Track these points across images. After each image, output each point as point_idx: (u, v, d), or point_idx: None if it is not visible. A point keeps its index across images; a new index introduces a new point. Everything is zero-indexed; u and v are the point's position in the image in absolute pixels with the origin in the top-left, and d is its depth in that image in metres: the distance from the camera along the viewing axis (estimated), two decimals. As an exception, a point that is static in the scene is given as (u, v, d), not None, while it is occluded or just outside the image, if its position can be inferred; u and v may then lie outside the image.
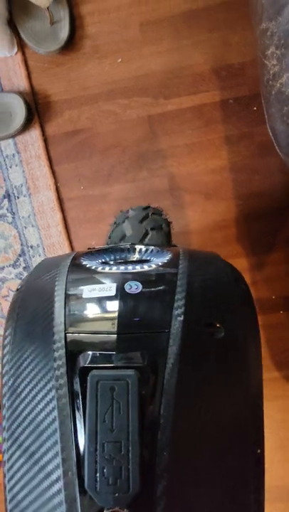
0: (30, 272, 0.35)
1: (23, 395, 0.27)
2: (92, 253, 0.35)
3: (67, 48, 0.77)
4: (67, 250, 0.83)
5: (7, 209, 0.82)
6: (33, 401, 0.26)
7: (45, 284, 0.31)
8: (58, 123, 0.80)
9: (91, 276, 0.30)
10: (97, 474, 0.22)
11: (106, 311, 0.27)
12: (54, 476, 0.24)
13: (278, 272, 0.80)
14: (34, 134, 0.80)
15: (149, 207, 0.58)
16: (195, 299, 0.28)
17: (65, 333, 0.27)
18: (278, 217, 0.80)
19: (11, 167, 0.81)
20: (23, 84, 0.79)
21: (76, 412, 0.25)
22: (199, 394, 0.26)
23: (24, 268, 0.84)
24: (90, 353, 0.26)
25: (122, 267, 0.31)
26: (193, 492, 0.25)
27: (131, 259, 0.35)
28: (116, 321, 0.27)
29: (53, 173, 0.81)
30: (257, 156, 0.78)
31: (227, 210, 0.80)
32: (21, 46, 0.78)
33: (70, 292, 0.29)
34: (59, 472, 0.24)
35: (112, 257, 0.35)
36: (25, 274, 0.78)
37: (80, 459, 0.24)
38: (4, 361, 0.28)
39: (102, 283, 0.29)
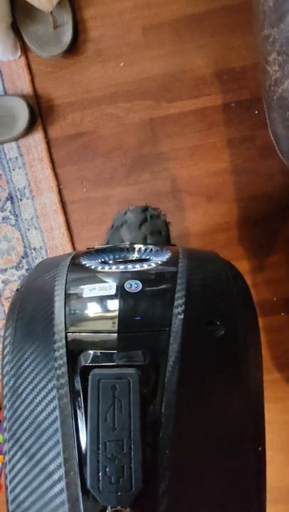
0: (30, 272, 0.35)
1: (24, 395, 0.27)
2: (92, 253, 0.35)
3: (70, 52, 0.78)
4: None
5: (10, 211, 0.83)
6: (34, 401, 0.26)
7: (45, 283, 0.31)
8: (61, 126, 0.81)
9: (91, 276, 0.30)
10: (100, 473, 0.22)
11: (106, 310, 0.27)
12: (56, 476, 0.24)
13: (279, 274, 0.81)
14: (37, 136, 0.80)
15: (147, 208, 0.58)
16: (195, 298, 0.28)
17: (66, 333, 0.27)
18: (280, 219, 0.80)
19: (14, 170, 0.82)
20: (26, 87, 0.79)
21: (77, 411, 0.25)
22: (200, 392, 0.26)
23: (27, 270, 0.84)
24: (91, 352, 0.26)
25: (121, 266, 0.31)
26: (195, 490, 0.25)
27: (130, 259, 0.35)
28: (116, 320, 0.27)
29: (56, 175, 0.81)
30: (258, 159, 0.79)
31: (229, 213, 0.80)
32: (25, 50, 0.79)
33: (70, 292, 0.29)
34: (61, 472, 0.24)
35: (112, 257, 0.35)
36: (28, 276, 0.78)
37: (82, 458, 0.24)
38: (5, 362, 0.28)
39: (102, 282, 0.29)
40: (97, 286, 0.29)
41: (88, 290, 0.28)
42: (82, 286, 0.29)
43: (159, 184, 0.80)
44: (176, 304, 0.28)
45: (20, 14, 0.77)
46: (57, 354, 0.26)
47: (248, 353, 0.28)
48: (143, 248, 0.36)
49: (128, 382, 0.23)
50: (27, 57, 0.79)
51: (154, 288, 0.29)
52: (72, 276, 0.30)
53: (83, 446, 0.24)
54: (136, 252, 0.36)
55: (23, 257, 0.84)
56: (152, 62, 0.78)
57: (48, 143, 0.81)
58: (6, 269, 0.84)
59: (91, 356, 0.26)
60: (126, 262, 0.34)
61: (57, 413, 0.25)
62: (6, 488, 0.26)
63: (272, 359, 0.82)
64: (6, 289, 0.85)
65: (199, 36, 0.76)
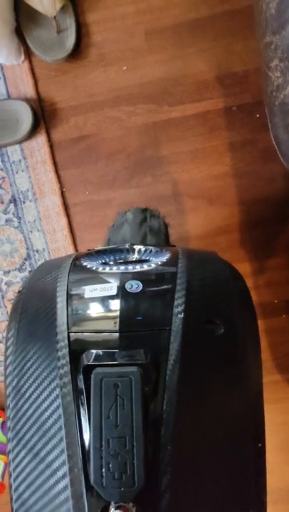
0: (32, 273, 0.35)
1: (27, 394, 0.27)
2: (92, 254, 0.36)
3: (73, 56, 0.78)
4: (72, 254, 0.83)
5: (13, 214, 0.84)
6: (38, 400, 0.26)
7: (47, 285, 0.31)
8: (64, 129, 0.81)
9: (92, 277, 0.31)
10: (103, 469, 0.23)
11: (108, 310, 0.28)
12: (60, 473, 0.25)
13: (281, 276, 0.81)
14: (40, 140, 0.81)
15: (146, 209, 0.59)
16: (194, 297, 0.29)
17: (68, 333, 0.27)
18: (281, 221, 0.81)
19: (17, 172, 0.83)
20: (29, 91, 0.80)
21: (80, 409, 0.25)
22: (200, 389, 0.26)
23: (30, 272, 0.85)
24: (93, 351, 0.26)
25: (122, 267, 0.31)
26: (196, 485, 0.25)
27: (130, 260, 0.36)
28: (118, 320, 0.27)
29: (59, 178, 0.82)
30: (260, 162, 0.79)
31: (230, 216, 0.81)
32: (28, 54, 0.80)
33: (72, 292, 0.29)
34: (65, 469, 0.25)
35: (112, 258, 0.36)
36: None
37: (85, 455, 0.25)
38: (8, 362, 0.29)
39: (104, 283, 0.29)
40: (98, 286, 0.29)
41: (90, 291, 0.29)
42: (83, 287, 0.29)
43: (161, 187, 0.81)
44: (176, 303, 0.28)
45: (24, 19, 0.78)
46: (60, 354, 0.27)
47: (247, 351, 0.29)
48: (143, 249, 0.36)
49: (130, 381, 0.24)
50: (30, 62, 0.80)
51: (155, 288, 0.29)
52: (73, 277, 0.31)
53: (86, 443, 0.25)
54: (136, 253, 0.36)
55: (26, 259, 0.85)
56: (155, 66, 0.78)
57: (51, 146, 0.82)
58: (8, 271, 0.85)
59: (93, 355, 0.26)
60: (126, 262, 0.34)
61: (60, 411, 0.25)
62: (10, 487, 0.26)
63: (272, 360, 0.83)
64: (8, 290, 0.86)
65: (201, 41, 0.77)
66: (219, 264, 0.33)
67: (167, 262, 0.32)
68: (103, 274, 0.31)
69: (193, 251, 0.35)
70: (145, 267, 0.31)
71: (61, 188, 0.82)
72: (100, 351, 0.26)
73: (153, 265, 0.32)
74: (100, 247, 0.39)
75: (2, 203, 0.84)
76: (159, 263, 0.32)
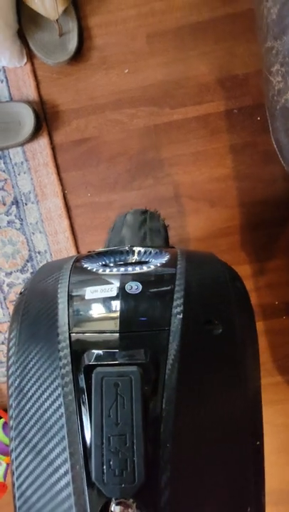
0: (33, 275, 0.35)
1: (29, 394, 0.27)
2: (93, 256, 0.36)
3: (75, 59, 0.79)
4: (74, 256, 0.84)
5: (15, 215, 0.84)
6: (40, 399, 0.27)
7: (48, 286, 0.32)
8: (66, 132, 0.82)
9: (93, 278, 0.31)
10: (104, 466, 0.23)
11: (108, 311, 0.28)
12: (62, 470, 0.25)
13: (281, 277, 0.82)
14: (42, 142, 0.81)
15: (146, 211, 0.59)
16: (193, 298, 0.29)
17: (70, 333, 0.28)
18: (281, 224, 0.81)
19: (19, 174, 0.83)
20: (32, 94, 0.81)
21: (82, 408, 0.26)
22: (199, 388, 0.27)
23: (31, 273, 0.85)
24: (94, 351, 0.27)
25: (122, 269, 0.32)
26: (195, 482, 0.26)
27: (130, 261, 0.36)
28: (118, 321, 0.28)
29: (61, 180, 0.82)
30: (261, 165, 0.80)
31: (231, 218, 0.81)
32: (30, 57, 0.80)
33: (72, 294, 0.30)
34: (67, 466, 0.25)
35: (112, 259, 0.36)
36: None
37: (86, 452, 0.25)
38: (10, 363, 0.29)
39: (104, 284, 0.30)
40: (98, 288, 0.29)
41: (90, 292, 0.29)
42: (84, 289, 0.30)
43: (163, 189, 0.81)
44: (175, 304, 0.28)
45: (26, 22, 0.78)
46: (61, 354, 0.27)
47: (246, 351, 0.29)
48: (142, 251, 0.37)
49: (130, 380, 0.24)
50: (33, 64, 0.80)
51: (154, 289, 0.30)
52: (74, 278, 0.31)
53: (88, 441, 0.25)
54: (136, 255, 0.37)
55: (27, 261, 0.85)
56: (156, 69, 0.79)
57: (53, 148, 0.82)
58: (10, 273, 0.86)
59: (94, 355, 0.27)
60: (126, 264, 0.35)
61: (62, 410, 0.26)
62: (13, 485, 0.27)
63: (273, 362, 0.83)
64: (10, 292, 0.86)
65: (203, 44, 0.77)
66: (217, 265, 0.34)
67: (166, 263, 0.33)
68: (103, 276, 0.31)
69: (191, 252, 0.35)
70: (145, 268, 0.32)
71: (63, 190, 0.83)
72: (101, 351, 0.27)
73: (152, 267, 0.32)
74: (100, 249, 0.39)
75: (4, 204, 0.84)
76: (158, 264, 0.32)
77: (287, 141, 0.51)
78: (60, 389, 0.26)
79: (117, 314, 0.28)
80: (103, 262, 0.35)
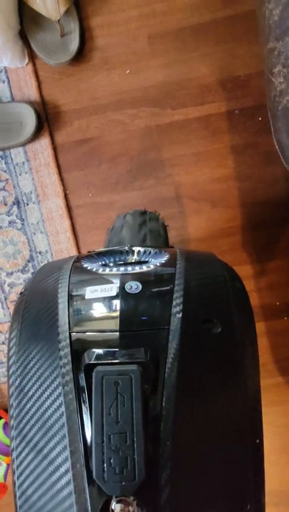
0: (34, 275, 0.36)
1: (30, 393, 0.28)
2: (93, 256, 0.36)
3: (77, 60, 0.79)
4: (75, 256, 0.84)
5: (16, 215, 0.84)
6: (41, 398, 0.27)
7: (49, 286, 0.32)
8: (68, 132, 0.82)
9: (93, 278, 0.31)
10: (105, 465, 0.23)
11: (108, 311, 0.29)
12: (63, 469, 0.25)
13: (282, 278, 0.82)
14: (44, 142, 0.82)
15: (145, 212, 0.59)
16: (192, 297, 0.29)
17: (70, 333, 0.28)
18: (282, 224, 0.81)
19: (20, 174, 0.83)
20: (33, 94, 0.81)
21: (82, 406, 0.26)
22: (199, 387, 0.27)
23: (32, 273, 0.85)
24: (95, 350, 0.27)
25: (121, 268, 0.32)
26: (195, 480, 0.26)
27: (130, 261, 0.36)
28: (118, 320, 0.28)
29: (62, 180, 0.83)
30: (262, 165, 0.80)
31: (232, 218, 0.81)
32: (32, 57, 0.80)
33: (73, 293, 0.30)
34: (68, 464, 0.25)
35: (112, 259, 0.36)
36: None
37: (87, 450, 0.25)
38: (10, 362, 0.29)
39: (104, 284, 0.30)
40: (98, 287, 0.30)
41: (90, 292, 0.30)
42: (84, 288, 0.30)
43: (164, 190, 0.82)
44: (174, 303, 0.29)
45: (28, 22, 0.78)
46: (62, 353, 0.27)
47: (245, 350, 0.29)
48: (142, 250, 0.37)
49: (130, 378, 0.25)
50: (34, 65, 0.80)
51: (154, 289, 0.30)
52: (74, 278, 0.32)
53: (88, 439, 0.25)
54: (135, 255, 0.37)
55: (28, 261, 0.85)
56: (158, 70, 0.79)
57: (55, 148, 0.82)
58: (12, 273, 0.86)
59: (94, 354, 0.27)
60: (126, 264, 0.35)
61: (63, 409, 0.26)
62: (14, 484, 0.27)
63: (274, 362, 0.83)
64: (11, 292, 0.86)
65: (204, 45, 0.78)
66: (217, 265, 0.34)
67: (166, 263, 0.33)
68: (103, 275, 0.31)
69: (191, 252, 0.36)
70: (144, 268, 0.32)
71: (64, 190, 0.83)
72: (101, 350, 0.27)
73: (152, 266, 0.32)
74: (100, 249, 0.39)
75: (5, 204, 0.84)
76: (158, 264, 0.33)
77: (288, 142, 0.51)
78: (60, 388, 0.27)
79: (117, 313, 0.28)
80: (103, 262, 0.35)
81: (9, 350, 0.30)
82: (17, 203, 0.84)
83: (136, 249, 0.37)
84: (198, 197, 0.81)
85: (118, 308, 0.28)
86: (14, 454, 0.27)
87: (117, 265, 0.34)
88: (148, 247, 0.38)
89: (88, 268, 0.33)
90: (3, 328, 0.88)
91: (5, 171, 0.83)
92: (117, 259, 0.36)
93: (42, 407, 0.27)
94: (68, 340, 0.28)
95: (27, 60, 0.80)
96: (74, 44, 0.77)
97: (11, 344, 0.30)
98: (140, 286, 0.29)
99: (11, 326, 0.31)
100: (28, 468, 0.26)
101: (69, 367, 0.27)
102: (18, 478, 0.27)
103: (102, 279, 0.31)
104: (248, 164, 0.80)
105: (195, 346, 0.28)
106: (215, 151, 0.80)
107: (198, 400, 0.27)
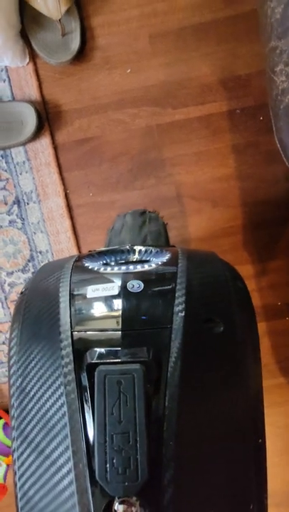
0: (34, 274, 0.36)
1: (32, 393, 0.27)
2: (94, 255, 0.36)
3: (78, 59, 0.79)
4: (75, 256, 0.84)
5: (17, 215, 0.84)
6: (42, 398, 0.27)
7: (50, 285, 0.32)
8: (68, 131, 0.82)
9: (94, 277, 0.31)
10: (107, 465, 0.23)
11: (110, 310, 0.29)
12: (65, 469, 0.25)
13: (283, 278, 0.82)
14: (44, 141, 0.81)
15: (145, 212, 0.59)
16: (194, 296, 0.29)
17: (72, 332, 0.28)
18: (284, 224, 0.81)
19: (21, 174, 0.83)
20: (34, 93, 0.81)
21: (84, 406, 0.26)
22: (201, 386, 0.27)
23: (33, 273, 0.85)
24: (97, 349, 0.27)
25: (123, 267, 0.32)
26: (198, 480, 0.26)
27: (131, 260, 0.36)
28: (120, 319, 0.28)
29: (63, 180, 0.82)
30: (263, 165, 0.80)
31: (233, 218, 0.81)
32: (33, 57, 0.80)
33: (74, 292, 0.30)
34: (70, 465, 0.25)
35: (113, 259, 0.36)
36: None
37: (90, 450, 0.25)
38: (11, 362, 0.29)
39: (105, 283, 0.30)
40: (100, 286, 0.30)
41: (92, 291, 0.29)
42: (86, 287, 0.30)
43: (165, 189, 0.81)
44: (176, 302, 0.29)
45: (29, 21, 0.78)
46: (63, 352, 0.27)
47: (247, 349, 0.29)
48: (143, 250, 0.37)
49: (133, 378, 0.24)
50: (35, 64, 0.80)
51: (155, 287, 0.30)
52: (76, 277, 0.31)
53: (91, 439, 0.25)
54: (136, 254, 0.37)
55: (29, 261, 0.85)
56: (159, 69, 0.79)
57: (55, 148, 0.82)
58: (12, 272, 0.85)
59: (97, 353, 0.27)
60: (127, 263, 0.35)
61: (65, 409, 0.26)
62: (15, 485, 0.27)
63: (276, 363, 0.83)
64: (12, 291, 0.86)
65: (205, 44, 0.78)
66: (218, 264, 0.34)
67: (167, 262, 0.33)
68: (105, 275, 0.31)
69: (192, 251, 0.36)
70: (146, 267, 0.32)
71: (65, 189, 0.83)
72: (103, 349, 0.27)
73: (153, 265, 0.32)
74: (101, 249, 0.39)
75: (6, 204, 0.84)
76: (160, 263, 0.33)
77: (290, 141, 0.51)
78: (62, 387, 0.26)
79: (119, 312, 0.28)
80: (104, 261, 0.35)
81: (10, 350, 0.30)
82: (17, 202, 0.83)
83: (137, 248, 0.37)
84: (199, 196, 0.81)
85: (120, 307, 0.28)
86: (16, 455, 0.27)
87: (118, 264, 0.34)
88: (149, 246, 0.38)
89: (89, 267, 0.33)
90: (3, 328, 0.87)
91: (5, 170, 0.83)
92: (118, 258, 0.36)
93: (44, 407, 0.27)
94: (70, 340, 0.28)
95: (28, 60, 0.80)
96: (75, 43, 0.77)
97: (12, 344, 0.30)
98: (142, 285, 0.29)
99: (11, 325, 0.31)
100: (29, 469, 0.26)
101: (71, 366, 0.27)
102: (19, 479, 0.26)
103: (104, 278, 0.31)
104: (249, 164, 0.80)
105: (197, 345, 0.28)
106: (216, 150, 0.80)
107: (200, 400, 0.27)
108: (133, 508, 0.23)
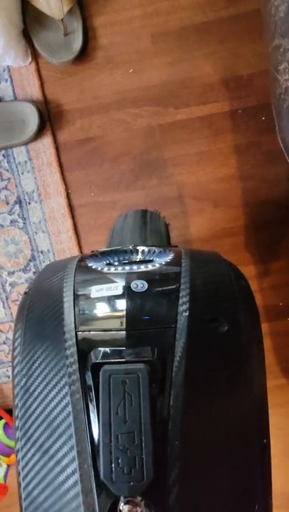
0: (38, 274, 0.36)
1: (36, 393, 0.27)
2: (97, 255, 0.36)
3: (80, 59, 0.79)
4: (77, 256, 0.84)
5: (18, 214, 0.84)
6: (47, 398, 0.27)
7: (53, 285, 0.32)
8: (70, 131, 0.81)
9: (98, 277, 0.31)
10: (112, 465, 0.23)
11: (114, 310, 0.29)
12: (70, 469, 0.25)
13: (285, 279, 0.81)
14: (46, 141, 0.81)
15: (146, 212, 0.59)
16: (198, 296, 0.29)
17: (76, 332, 0.28)
18: (286, 224, 0.81)
19: (22, 173, 0.83)
20: (36, 93, 0.80)
21: (89, 406, 0.26)
22: (206, 385, 0.27)
23: (34, 273, 0.85)
24: (101, 349, 0.27)
25: (127, 267, 0.32)
26: (203, 479, 0.26)
27: (134, 260, 0.36)
28: (124, 319, 0.28)
29: (64, 179, 0.82)
30: (265, 165, 0.79)
31: (235, 218, 0.81)
32: (35, 56, 0.80)
33: (78, 292, 0.30)
34: (75, 465, 0.25)
35: (116, 259, 0.36)
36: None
37: (94, 450, 0.25)
38: (15, 362, 0.29)
39: (109, 283, 0.30)
40: (104, 286, 0.30)
41: (96, 291, 0.30)
42: (90, 287, 0.30)
43: (166, 189, 0.81)
44: (180, 302, 0.29)
45: (31, 21, 0.78)
46: (68, 352, 0.27)
47: (251, 349, 0.29)
48: (146, 250, 0.37)
49: (137, 377, 0.24)
50: (37, 64, 0.80)
51: (159, 287, 0.30)
52: (79, 277, 0.31)
53: (96, 439, 0.25)
54: (140, 254, 0.37)
55: (30, 260, 0.85)
56: (161, 69, 0.79)
57: (57, 148, 0.82)
58: (13, 272, 0.85)
59: (101, 353, 0.27)
60: (131, 263, 0.35)
61: (69, 408, 0.26)
62: (19, 486, 0.27)
63: (277, 364, 0.82)
64: (13, 291, 0.86)
65: (207, 44, 0.77)
66: (222, 264, 0.34)
67: (171, 261, 0.33)
68: (109, 275, 0.31)
69: (195, 251, 0.36)
70: (150, 266, 0.32)
71: (66, 189, 0.83)
72: (108, 349, 0.27)
73: (157, 265, 0.32)
74: (104, 249, 0.39)
75: (7, 203, 0.84)
76: (163, 263, 0.33)
77: (293, 140, 0.51)
78: (67, 387, 0.26)
79: (124, 312, 0.28)
80: (108, 261, 0.35)
81: (14, 351, 0.29)
82: (19, 201, 0.83)
83: (140, 248, 0.37)
84: (201, 196, 0.81)
85: (124, 307, 0.28)
86: (20, 455, 0.27)
87: (121, 264, 0.34)
88: (152, 246, 0.38)
89: (93, 267, 0.33)
90: (3, 328, 0.87)
91: (7, 170, 0.83)
92: (121, 258, 0.36)
93: (48, 407, 0.27)
94: (74, 340, 0.28)
95: (30, 59, 0.80)
96: (77, 43, 0.77)
97: (16, 344, 0.30)
98: (146, 284, 0.29)
99: (15, 326, 0.31)
100: (34, 469, 0.26)
101: (75, 366, 0.27)
102: (23, 479, 0.26)
103: (108, 278, 0.30)
104: (251, 164, 0.79)
105: (202, 345, 0.28)
106: (218, 150, 0.80)
107: (205, 399, 0.27)
108: (138, 508, 0.23)
